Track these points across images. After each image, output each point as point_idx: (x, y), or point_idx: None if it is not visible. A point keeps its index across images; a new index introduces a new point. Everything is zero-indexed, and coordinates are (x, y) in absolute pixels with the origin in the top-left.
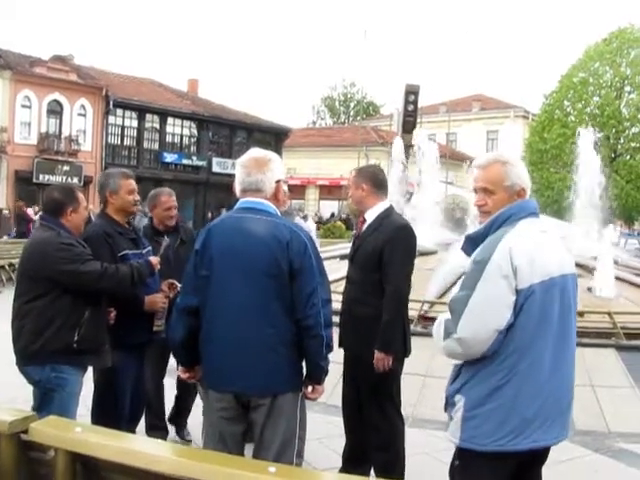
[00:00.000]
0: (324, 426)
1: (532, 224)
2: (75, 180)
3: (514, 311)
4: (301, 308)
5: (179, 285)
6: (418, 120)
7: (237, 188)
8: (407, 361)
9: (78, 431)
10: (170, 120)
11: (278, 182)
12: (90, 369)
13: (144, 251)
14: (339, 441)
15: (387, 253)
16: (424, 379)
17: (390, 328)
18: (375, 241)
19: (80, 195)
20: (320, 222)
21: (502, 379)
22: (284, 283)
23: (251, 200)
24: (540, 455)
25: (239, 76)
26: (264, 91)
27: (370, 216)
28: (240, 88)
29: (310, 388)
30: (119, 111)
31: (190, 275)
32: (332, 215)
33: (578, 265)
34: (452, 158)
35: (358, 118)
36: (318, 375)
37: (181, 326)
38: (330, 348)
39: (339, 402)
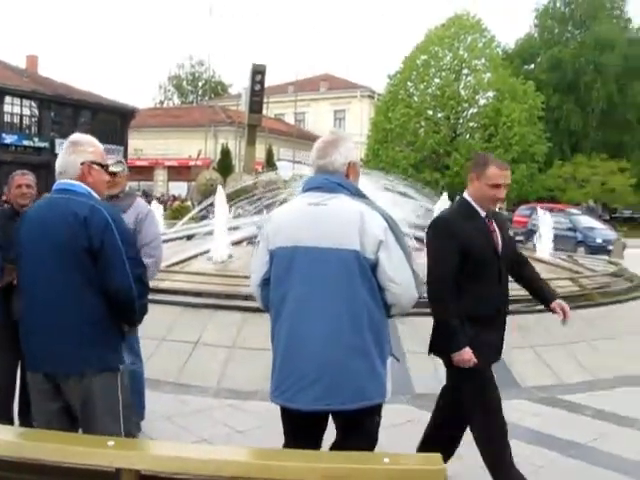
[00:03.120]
0: (175, 404)
1: (307, 197)
2: None
3: (268, 269)
4: (110, 284)
5: None
6: (265, 100)
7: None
8: (255, 335)
9: None
10: (8, 99)
11: (83, 164)
12: None
13: None
14: (191, 419)
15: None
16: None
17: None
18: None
19: None
20: (166, 202)
21: (271, 333)
22: (87, 260)
23: (62, 182)
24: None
25: (81, 53)
26: (108, 69)
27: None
28: (83, 66)
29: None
30: None
31: None
32: (174, 197)
33: (420, 239)
34: (300, 137)
35: (206, 98)
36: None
37: None
38: (143, 315)
39: (189, 381)
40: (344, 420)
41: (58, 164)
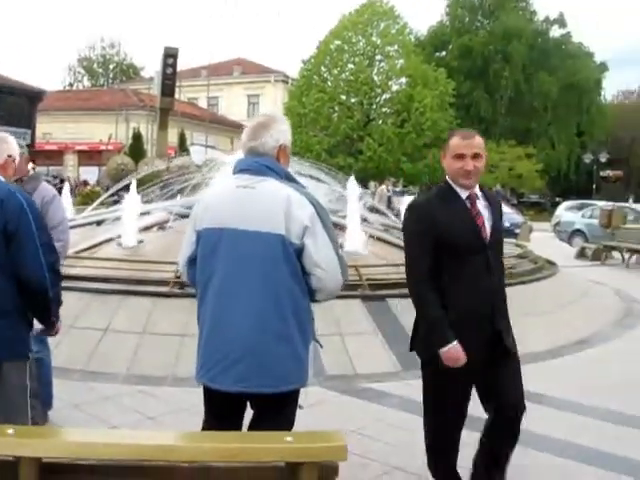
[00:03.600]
0: (83, 392)
1: (236, 180)
2: None
3: (195, 249)
4: (22, 271)
5: None
6: (178, 84)
7: None
8: (165, 321)
9: None
10: None
11: None
12: None
13: None
14: (100, 406)
15: None
16: (182, 339)
17: None
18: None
19: None
20: (75, 188)
21: (197, 312)
22: (0, 244)
23: None
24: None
25: None
26: (14, 50)
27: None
28: None
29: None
30: None
31: None
32: (85, 182)
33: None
34: (213, 122)
35: (118, 81)
36: (50, 329)
37: None
38: (59, 304)
39: (99, 368)
40: (263, 403)
41: None
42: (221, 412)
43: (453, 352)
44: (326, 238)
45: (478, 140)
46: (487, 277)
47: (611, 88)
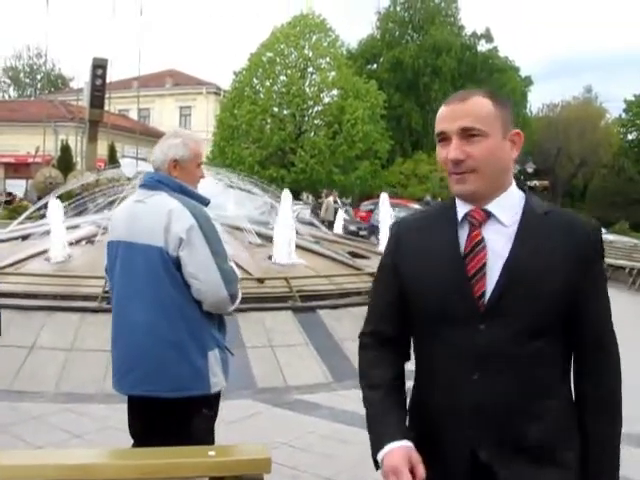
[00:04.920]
0: (8, 413)
1: (136, 194)
2: None
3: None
4: None
5: None
6: (108, 95)
7: None
8: (93, 336)
9: None
10: None
11: None
12: None
13: None
14: (26, 427)
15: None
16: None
17: None
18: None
19: None
20: (7, 202)
21: None
22: None
23: None
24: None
25: None
26: None
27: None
28: None
29: None
30: None
31: None
32: (10, 194)
33: (261, 235)
34: (144, 134)
35: (46, 91)
36: None
37: None
38: None
39: (25, 387)
40: (164, 409)
41: None
42: (135, 418)
43: (388, 460)
44: (206, 251)
45: (471, 103)
46: (472, 372)
47: (536, 101)
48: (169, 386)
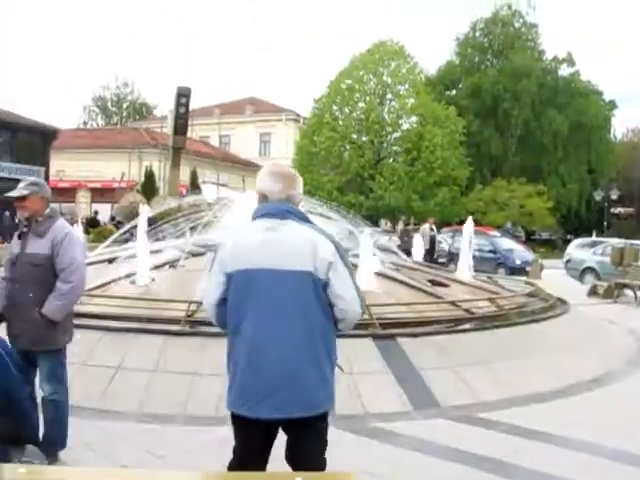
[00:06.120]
0: (95, 431)
1: (262, 223)
2: None
3: (224, 290)
4: None
5: None
6: (190, 122)
7: None
8: (176, 359)
9: None
10: None
11: None
12: None
13: None
14: (111, 445)
15: None
16: (192, 377)
17: None
18: None
19: None
20: (91, 225)
21: (229, 349)
22: None
23: None
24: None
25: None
26: (30, 90)
27: None
28: (2, 85)
29: None
30: None
31: None
32: (96, 212)
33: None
34: (225, 160)
35: (131, 119)
36: None
37: None
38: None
39: (111, 406)
40: (298, 427)
41: None
42: (253, 441)
43: None
44: (346, 272)
45: None
46: None
47: (620, 125)
48: (309, 405)
